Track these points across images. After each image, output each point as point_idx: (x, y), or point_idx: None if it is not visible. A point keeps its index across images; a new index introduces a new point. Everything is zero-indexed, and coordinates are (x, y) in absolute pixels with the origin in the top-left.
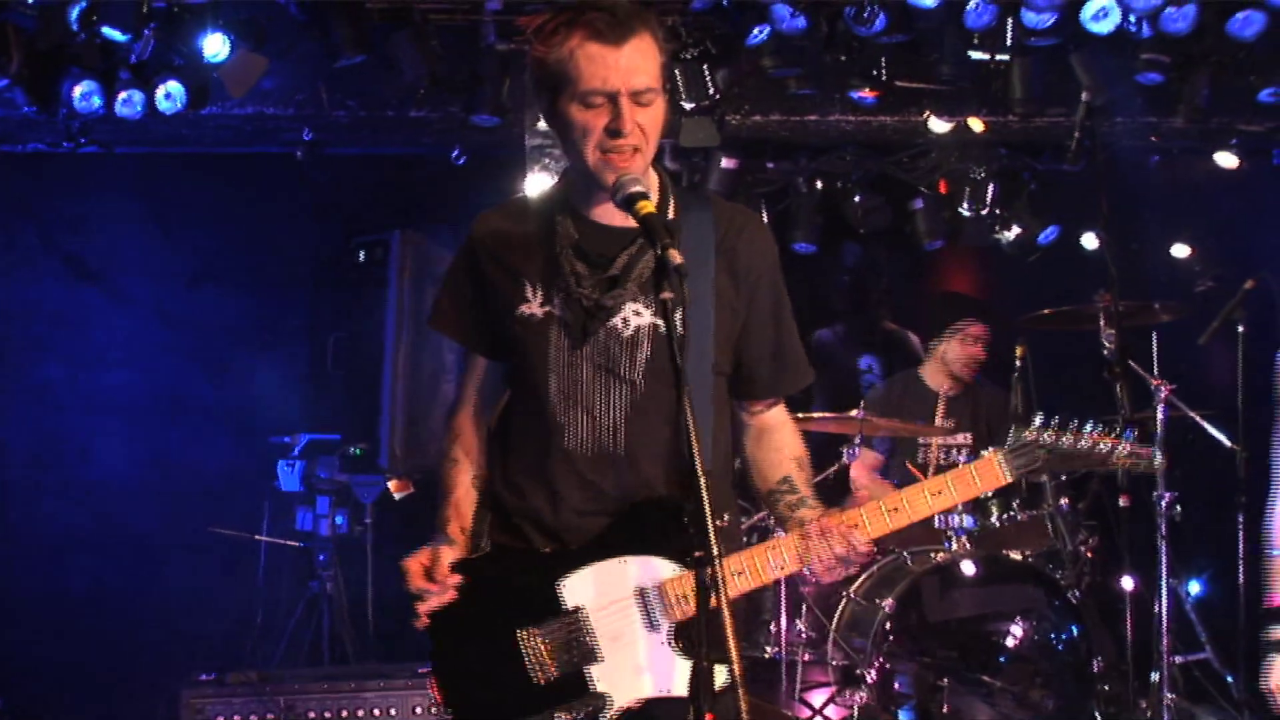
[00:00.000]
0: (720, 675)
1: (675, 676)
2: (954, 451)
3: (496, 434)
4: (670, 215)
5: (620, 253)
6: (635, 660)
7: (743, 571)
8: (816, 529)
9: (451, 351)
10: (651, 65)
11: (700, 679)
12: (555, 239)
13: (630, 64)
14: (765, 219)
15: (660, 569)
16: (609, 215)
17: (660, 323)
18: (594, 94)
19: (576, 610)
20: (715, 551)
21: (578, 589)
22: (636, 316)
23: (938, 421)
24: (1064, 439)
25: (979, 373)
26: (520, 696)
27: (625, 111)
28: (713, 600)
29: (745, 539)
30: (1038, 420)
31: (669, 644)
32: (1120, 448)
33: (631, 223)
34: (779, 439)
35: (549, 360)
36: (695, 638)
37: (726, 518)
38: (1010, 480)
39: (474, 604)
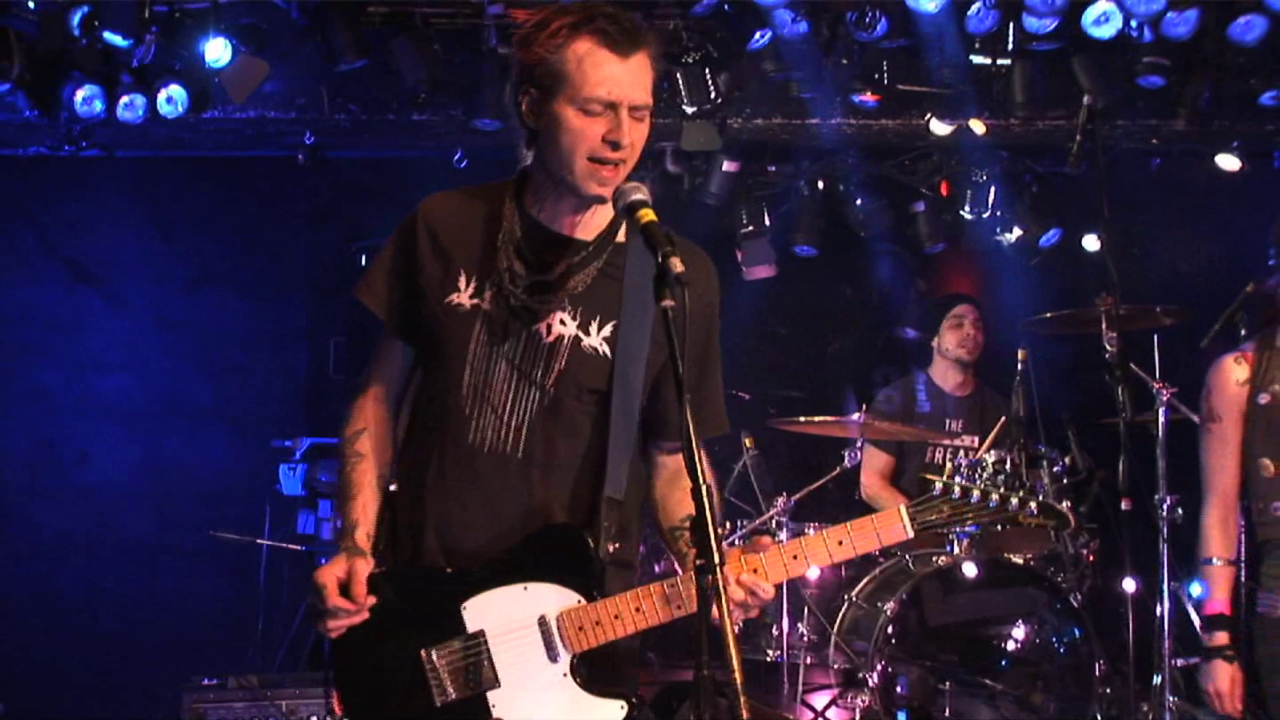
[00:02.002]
0: (616, 712)
1: (572, 709)
2: (961, 453)
3: (406, 431)
4: (620, 238)
5: (561, 260)
6: (533, 689)
7: (640, 608)
8: None
9: None
10: (650, 82)
11: (700, 687)
12: (498, 233)
13: (634, 78)
14: (767, 222)
15: (561, 598)
16: (559, 222)
17: (583, 336)
18: (597, 101)
19: (478, 634)
20: (718, 559)
21: (480, 612)
22: (561, 326)
23: (947, 422)
24: (972, 495)
25: (976, 355)
26: (420, 716)
27: (625, 123)
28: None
29: (745, 542)
30: (947, 474)
31: (567, 676)
32: (1029, 506)
33: (583, 235)
34: (686, 481)
35: (466, 353)
36: (700, 644)
37: (617, 545)
38: (911, 535)
39: (379, 620)
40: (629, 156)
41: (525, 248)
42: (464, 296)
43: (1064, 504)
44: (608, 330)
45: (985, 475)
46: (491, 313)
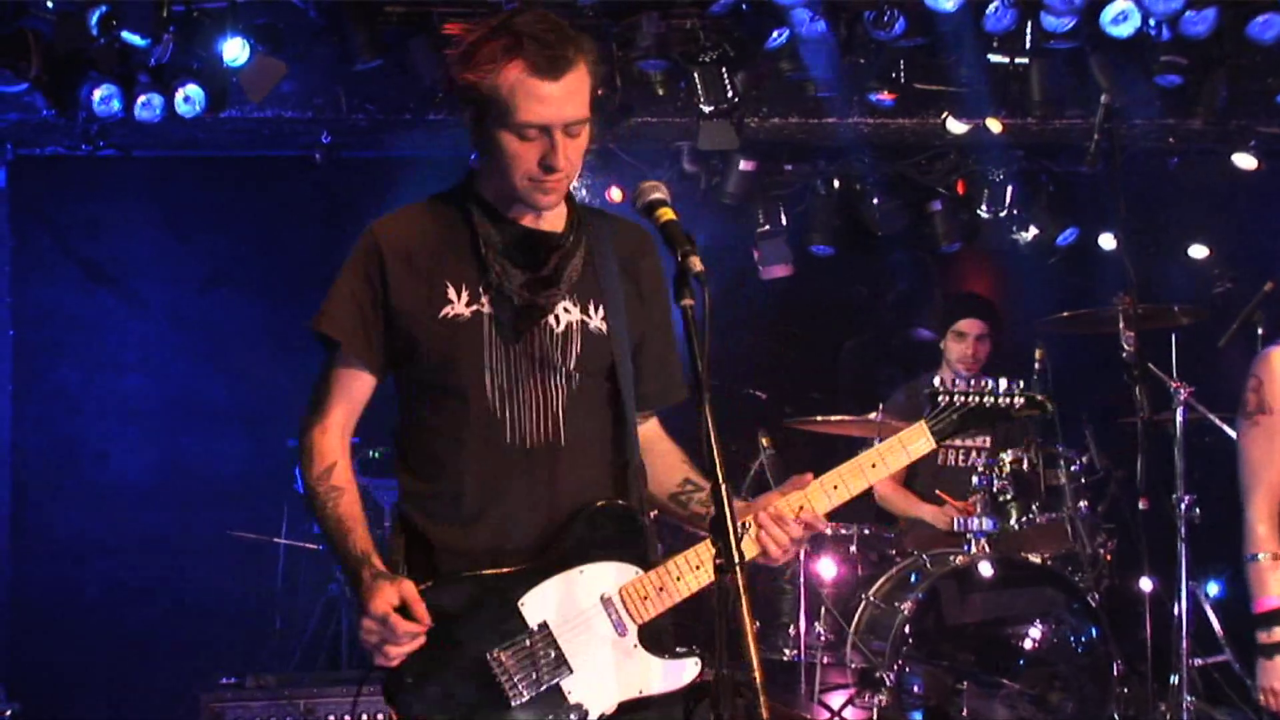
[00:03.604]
0: (692, 668)
1: (647, 677)
2: (972, 454)
3: (406, 452)
4: (573, 230)
5: (551, 254)
6: (606, 667)
7: (701, 565)
8: (768, 517)
9: None
10: (584, 96)
11: (722, 687)
12: (478, 241)
13: (565, 99)
14: (784, 222)
15: (619, 574)
16: (530, 219)
17: (587, 319)
18: (530, 127)
19: (542, 625)
20: (737, 559)
21: (539, 605)
22: (566, 314)
23: None
24: (971, 400)
25: (978, 369)
26: (498, 718)
27: (559, 147)
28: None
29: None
30: (943, 385)
31: (638, 646)
32: (1014, 401)
33: (553, 226)
34: (664, 446)
35: (483, 358)
36: (718, 645)
37: (653, 515)
38: (934, 446)
39: (438, 635)
40: (569, 171)
41: (510, 248)
42: (460, 307)
43: (1040, 395)
44: (603, 310)
45: (976, 387)
46: (497, 315)
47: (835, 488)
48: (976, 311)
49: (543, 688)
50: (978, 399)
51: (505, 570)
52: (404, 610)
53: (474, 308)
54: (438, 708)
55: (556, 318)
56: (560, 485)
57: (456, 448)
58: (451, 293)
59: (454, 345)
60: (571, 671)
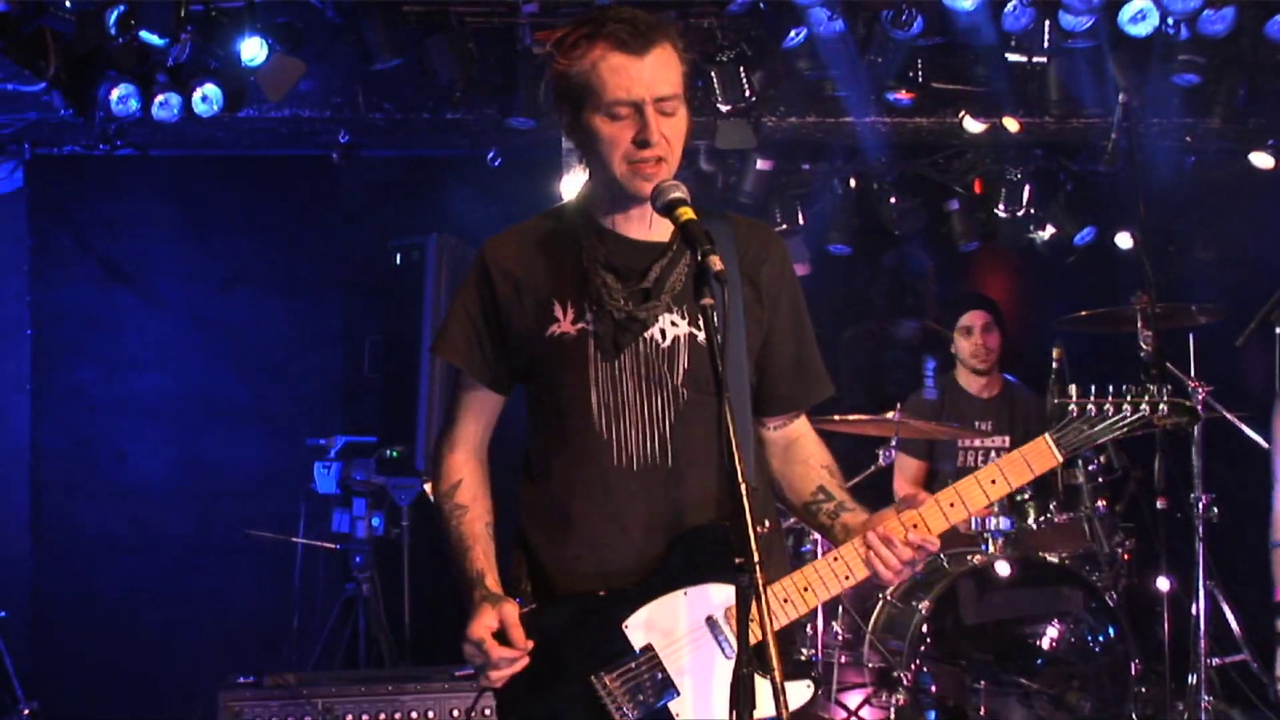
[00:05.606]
0: (804, 691)
1: (756, 698)
2: (991, 454)
3: (525, 466)
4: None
5: (651, 265)
6: (714, 689)
7: (809, 587)
8: (877, 537)
9: None
10: (674, 74)
11: (741, 688)
12: (581, 254)
13: (653, 73)
14: (801, 221)
15: (724, 595)
16: (636, 229)
17: (697, 332)
18: (619, 104)
19: (647, 648)
20: (756, 558)
21: (643, 628)
22: (673, 327)
23: (976, 423)
24: (1106, 408)
25: (992, 361)
26: None
27: (651, 121)
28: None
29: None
30: (1073, 393)
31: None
32: (1160, 408)
33: (660, 235)
34: (804, 450)
35: (589, 377)
36: (737, 650)
37: (768, 523)
38: (1062, 460)
39: (542, 658)
40: (664, 152)
41: (614, 261)
42: (566, 324)
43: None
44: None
45: (1110, 391)
46: (600, 332)
47: (951, 505)
48: (975, 303)
49: (649, 710)
50: (1114, 408)
51: (609, 593)
52: (502, 634)
53: (579, 325)
54: None
55: (662, 331)
56: (668, 507)
57: (566, 467)
58: (558, 310)
59: (561, 364)
60: (679, 694)
